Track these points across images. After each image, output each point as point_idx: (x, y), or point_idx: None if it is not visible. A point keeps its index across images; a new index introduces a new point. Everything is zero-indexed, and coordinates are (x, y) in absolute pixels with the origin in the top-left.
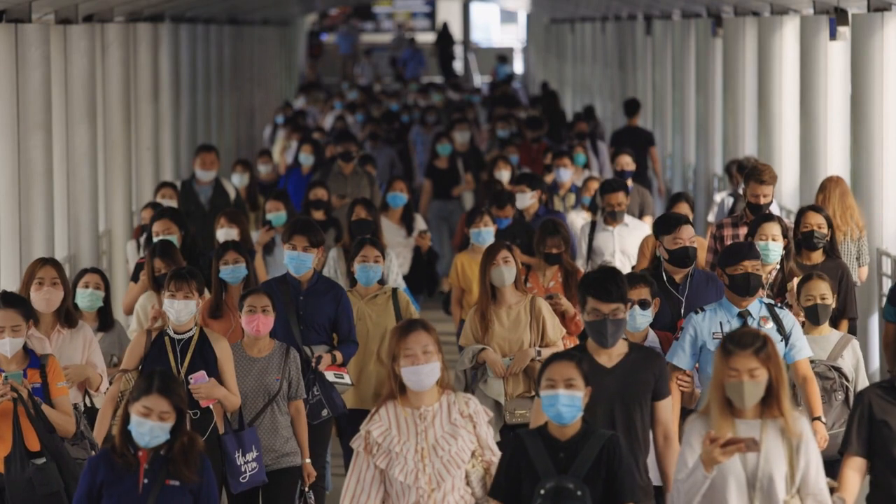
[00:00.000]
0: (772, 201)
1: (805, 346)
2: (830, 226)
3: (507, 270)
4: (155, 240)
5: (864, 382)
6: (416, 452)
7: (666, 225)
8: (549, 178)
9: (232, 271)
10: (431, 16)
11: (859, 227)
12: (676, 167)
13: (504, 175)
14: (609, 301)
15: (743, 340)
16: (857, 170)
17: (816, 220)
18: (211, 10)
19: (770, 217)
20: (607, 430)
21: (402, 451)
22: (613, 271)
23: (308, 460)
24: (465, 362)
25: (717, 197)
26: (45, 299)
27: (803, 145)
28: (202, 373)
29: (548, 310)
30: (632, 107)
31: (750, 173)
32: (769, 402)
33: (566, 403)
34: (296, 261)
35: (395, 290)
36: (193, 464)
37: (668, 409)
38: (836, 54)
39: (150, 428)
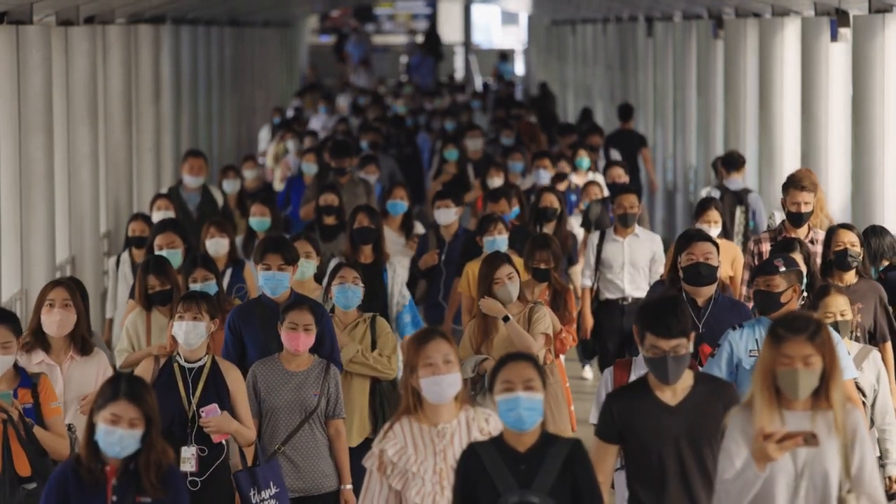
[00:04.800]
0: (812, 210)
1: (850, 366)
2: (863, 244)
3: (512, 287)
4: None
5: (885, 393)
6: (434, 473)
7: (680, 240)
8: (562, 186)
9: (200, 290)
10: (432, 17)
11: (829, 218)
12: (678, 169)
13: (496, 182)
14: (669, 337)
15: (796, 325)
16: (858, 171)
17: (849, 238)
18: (212, 11)
19: (792, 246)
20: (676, 472)
21: (420, 471)
22: (674, 302)
23: (350, 486)
24: (468, 371)
25: (703, 193)
26: (55, 322)
27: (804, 147)
28: (214, 405)
29: (549, 311)
30: (626, 111)
31: (789, 181)
32: (820, 393)
33: (527, 407)
34: (272, 281)
35: (373, 317)
36: (159, 476)
37: None
38: (837, 56)
39: (120, 437)
